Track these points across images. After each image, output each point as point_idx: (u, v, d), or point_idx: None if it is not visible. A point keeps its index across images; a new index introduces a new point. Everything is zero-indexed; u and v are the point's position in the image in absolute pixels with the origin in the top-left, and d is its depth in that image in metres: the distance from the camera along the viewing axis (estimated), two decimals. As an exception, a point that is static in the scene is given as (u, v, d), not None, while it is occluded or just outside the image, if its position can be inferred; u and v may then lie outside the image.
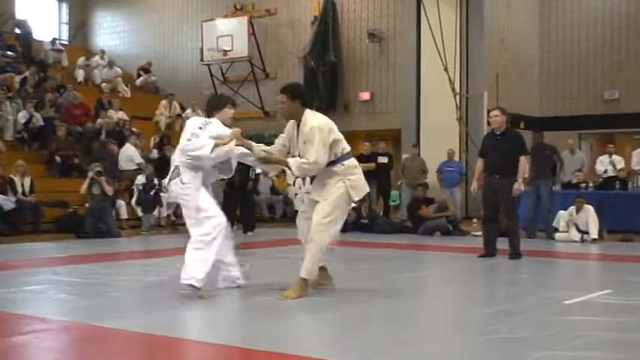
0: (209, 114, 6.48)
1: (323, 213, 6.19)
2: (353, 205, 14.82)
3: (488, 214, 9.55)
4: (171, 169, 6.35)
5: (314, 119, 6.28)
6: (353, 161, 6.33)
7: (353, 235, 13.18)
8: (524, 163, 9.27)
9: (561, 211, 12.43)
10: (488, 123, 10.18)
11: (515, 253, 9.29)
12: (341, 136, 6.34)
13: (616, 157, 15.57)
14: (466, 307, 6.13)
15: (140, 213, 14.35)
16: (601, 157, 16.01)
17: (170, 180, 6.31)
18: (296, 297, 6.06)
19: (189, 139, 6.20)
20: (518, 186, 9.16)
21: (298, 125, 6.32)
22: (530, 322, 5.20)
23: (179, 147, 6.32)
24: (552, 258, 10.22)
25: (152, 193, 14.30)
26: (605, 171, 15.31)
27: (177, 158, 6.31)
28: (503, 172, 9.24)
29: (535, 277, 8.08)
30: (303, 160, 6.14)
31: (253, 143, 6.38)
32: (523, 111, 18.40)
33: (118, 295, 6.55)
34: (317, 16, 20.12)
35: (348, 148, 6.36)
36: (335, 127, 6.32)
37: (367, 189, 6.45)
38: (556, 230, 12.39)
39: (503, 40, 18.23)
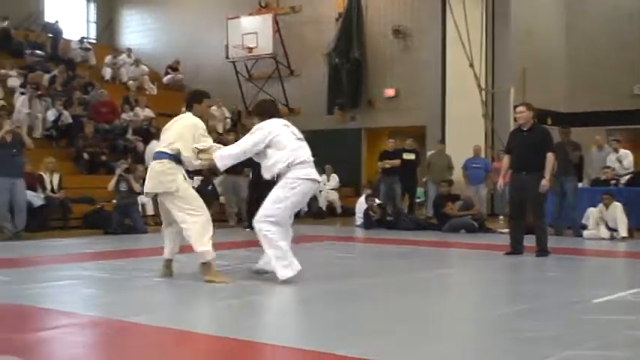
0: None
1: None
2: (378, 202, 14.86)
3: (514, 211, 9.49)
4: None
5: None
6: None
7: (377, 232, 13.18)
8: (551, 160, 9.19)
9: (591, 208, 12.30)
10: (515, 119, 10.12)
11: (542, 251, 9.21)
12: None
13: (623, 152, 14.68)
14: (490, 305, 6.09)
15: None
16: (609, 156, 14.93)
17: None
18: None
19: None
20: (545, 183, 9.09)
21: None
22: (557, 321, 5.14)
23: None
24: (580, 256, 10.11)
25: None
26: (614, 169, 14.32)
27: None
28: (529, 168, 9.17)
29: (562, 275, 8.00)
30: None
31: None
32: (550, 106, 18.26)
33: (145, 290, 6.59)
34: (341, 13, 20.12)
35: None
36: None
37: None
38: (585, 227, 12.28)
39: (529, 35, 18.10)
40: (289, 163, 6.64)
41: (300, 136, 6.89)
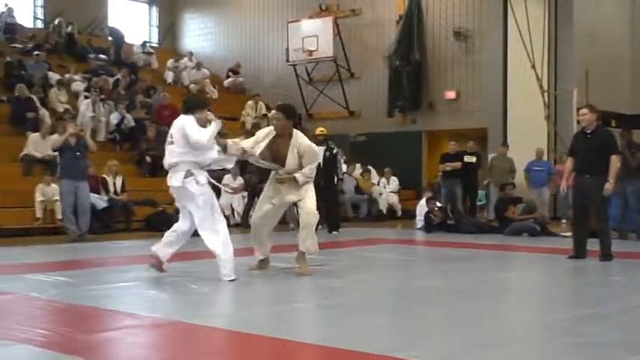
0: (186, 112, 7.09)
1: (312, 205, 7.43)
2: (439, 205, 14.76)
3: (578, 214, 9.32)
4: (174, 167, 6.97)
5: (306, 139, 7.59)
6: None
7: (438, 235, 13.08)
8: (615, 163, 9.00)
9: (655, 212, 12.00)
10: (578, 121, 9.94)
11: (605, 255, 9.02)
12: None
13: None
14: (553, 309, 5.98)
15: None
16: None
17: (184, 179, 6.93)
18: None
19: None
20: (609, 186, 8.90)
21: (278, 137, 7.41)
22: (622, 326, 5.04)
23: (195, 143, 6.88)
24: (645, 260, 9.88)
25: None
26: None
27: (181, 157, 6.90)
28: (593, 171, 8.99)
29: (626, 280, 7.83)
30: (305, 171, 7.33)
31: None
32: (614, 108, 17.83)
33: (208, 292, 6.65)
34: (402, 15, 20.05)
35: None
36: None
37: None
38: (649, 232, 11.99)
39: (592, 36, 17.74)
40: None
41: (170, 139, 7.05)
